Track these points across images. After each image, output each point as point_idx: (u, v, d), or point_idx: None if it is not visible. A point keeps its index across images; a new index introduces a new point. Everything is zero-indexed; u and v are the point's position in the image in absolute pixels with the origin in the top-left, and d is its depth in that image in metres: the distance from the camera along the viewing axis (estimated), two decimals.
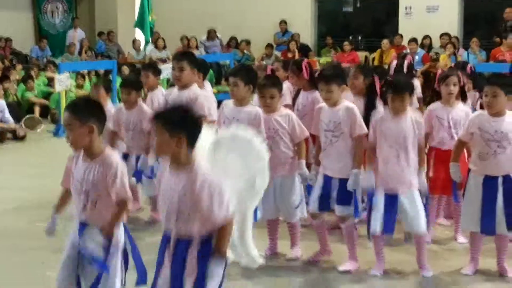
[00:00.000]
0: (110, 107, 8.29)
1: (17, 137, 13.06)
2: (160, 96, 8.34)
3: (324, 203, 6.35)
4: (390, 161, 6.05)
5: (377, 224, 6.05)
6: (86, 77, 16.32)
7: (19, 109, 14.81)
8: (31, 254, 6.86)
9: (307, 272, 6.43)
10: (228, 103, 6.64)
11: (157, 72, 8.74)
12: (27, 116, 14.09)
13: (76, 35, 20.65)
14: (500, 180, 5.97)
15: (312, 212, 6.46)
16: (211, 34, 20.25)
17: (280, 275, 6.34)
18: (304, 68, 7.66)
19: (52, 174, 8.57)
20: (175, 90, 7.23)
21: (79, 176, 4.53)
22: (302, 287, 6.21)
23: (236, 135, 4.55)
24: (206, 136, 4.28)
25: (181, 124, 4.07)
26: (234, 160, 4.44)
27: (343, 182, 6.24)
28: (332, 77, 6.31)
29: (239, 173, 4.45)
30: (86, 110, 4.49)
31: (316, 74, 7.31)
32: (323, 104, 6.47)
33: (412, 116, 6.11)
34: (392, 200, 6.04)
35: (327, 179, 6.34)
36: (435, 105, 7.04)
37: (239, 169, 4.45)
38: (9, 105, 13.99)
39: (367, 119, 6.52)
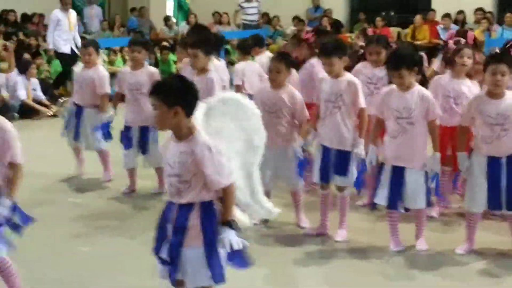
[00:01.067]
0: (102, 68, 8.71)
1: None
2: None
3: (324, 174, 6.47)
4: (396, 135, 6.03)
5: (381, 197, 6.12)
6: (118, 53, 16.37)
7: (52, 85, 14.88)
8: (62, 228, 6.98)
9: (304, 243, 6.52)
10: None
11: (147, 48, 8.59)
12: (59, 101, 14.09)
13: (93, 12, 20.62)
14: (504, 160, 5.92)
15: (318, 183, 6.63)
16: None
17: (275, 245, 6.48)
18: (304, 39, 7.84)
19: (85, 150, 8.72)
20: (189, 71, 7.32)
21: None
22: (298, 258, 6.22)
23: (226, 98, 4.69)
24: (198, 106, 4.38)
25: (177, 95, 4.16)
26: (228, 123, 4.58)
27: (340, 153, 6.37)
28: (332, 50, 6.37)
29: (236, 135, 4.62)
30: None
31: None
32: (325, 75, 6.56)
33: (420, 91, 6.02)
34: (398, 174, 6.02)
35: (326, 150, 6.45)
36: (443, 76, 7.03)
37: (234, 131, 4.61)
38: (41, 81, 14.11)
39: None
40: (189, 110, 4.20)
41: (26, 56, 14.68)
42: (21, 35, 17.52)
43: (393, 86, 6.12)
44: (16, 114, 12.85)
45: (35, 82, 13.54)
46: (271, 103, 6.52)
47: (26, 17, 19.55)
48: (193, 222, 4.24)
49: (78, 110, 8.55)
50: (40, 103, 13.34)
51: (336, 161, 6.41)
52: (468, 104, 6.08)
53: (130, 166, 8.14)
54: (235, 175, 4.37)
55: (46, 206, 7.67)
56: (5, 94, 12.87)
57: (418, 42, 17.24)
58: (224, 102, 4.65)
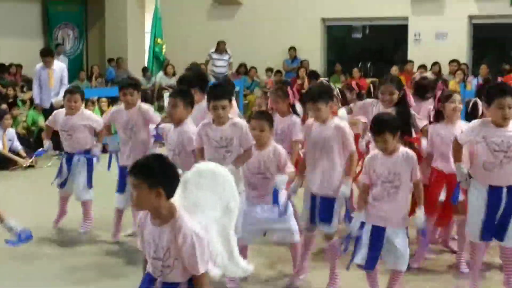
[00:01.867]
0: (85, 110, 8.73)
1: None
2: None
3: (311, 220, 6.44)
4: (380, 199, 5.91)
5: (360, 257, 5.96)
6: (96, 103, 16.36)
7: (29, 136, 14.82)
8: (37, 278, 6.92)
9: None
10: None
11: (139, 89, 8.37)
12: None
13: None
14: (504, 190, 5.97)
15: (303, 229, 6.56)
16: (220, 46, 19.83)
17: None
18: (290, 92, 7.60)
19: None
20: (170, 126, 7.17)
21: None
22: None
23: (201, 170, 4.56)
24: None
25: (159, 177, 4.05)
26: (204, 194, 4.47)
27: (325, 199, 6.32)
28: (318, 95, 6.35)
29: (213, 204, 4.49)
30: None
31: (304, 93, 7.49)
32: (311, 120, 6.53)
33: (404, 154, 5.92)
34: (379, 234, 5.89)
35: (313, 197, 6.42)
36: (437, 125, 7.01)
37: (211, 201, 4.49)
38: (18, 134, 14.00)
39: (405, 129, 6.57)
40: (170, 191, 4.09)
41: (3, 106, 14.63)
42: None
43: (377, 151, 6.04)
44: None
45: (11, 132, 13.45)
46: (257, 164, 6.40)
47: (3, 67, 19.55)
48: None
49: (69, 158, 8.53)
50: (17, 154, 13.24)
51: (321, 208, 6.35)
52: (472, 126, 6.10)
53: (123, 207, 8.08)
54: (215, 241, 4.30)
55: (22, 259, 7.57)
56: None
57: None
58: (200, 174, 4.52)
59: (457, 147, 6.24)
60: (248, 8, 20.97)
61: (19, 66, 19.76)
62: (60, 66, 14.53)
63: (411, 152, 6.05)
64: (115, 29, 22.06)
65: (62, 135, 8.62)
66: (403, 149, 6.00)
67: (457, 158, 6.23)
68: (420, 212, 5.97)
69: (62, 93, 13.88)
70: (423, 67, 17.79)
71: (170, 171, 4.13)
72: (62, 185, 8.61)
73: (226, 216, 4.57)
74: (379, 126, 5.94)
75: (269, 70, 20.13)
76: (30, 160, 13.11)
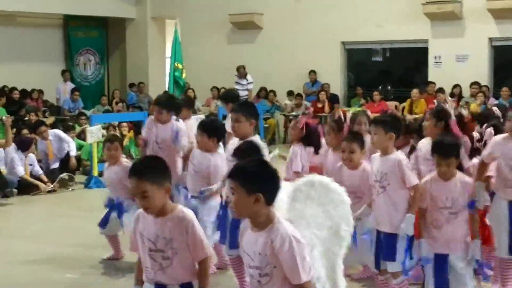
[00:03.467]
0: (126, 161, 8.21)
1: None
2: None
3: (378, 259, 6.12)
4: (440, 226, 5.77)
5: (430, 285, 5.85)
6: (117, 128, 16.42)
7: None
8: None
9: None
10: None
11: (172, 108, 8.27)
12: (60, 176, 13.82)
13: (67, 88, 20.58)
14: None
15: (375, 270, 6.25)
16: (240, 71, 19.90)
17: None
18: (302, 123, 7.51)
19: (83, 226, 8.61)
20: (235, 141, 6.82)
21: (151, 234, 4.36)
22: None
23: (314, 181, 4.44)
24: (283, 186, 4.11)
25: (259, 182, 3.91)
26: (314, 208, 4.33)
27: (387, 236, 6.00)
28: (380, 121, 6.12)
29: (321, 221, 4.35)
30: None
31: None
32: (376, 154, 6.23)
33: (462, 180, 5.78)
34: (442, 261, 5.76)
35: (378, 234, 6.11)
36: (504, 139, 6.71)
37: (320, 217, 4.35)
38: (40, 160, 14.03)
39: None
40: (270, 198, 3.93)
41: (25, 131, 14.68)
42: (23, 112, 17.64)
43: (433, 174, 5.89)
44: (14, 190, 12.77)
45: (32, 157, 13.45)
46: (350, 185, 6.06)
47: (25, 93, 19.70)
48: None
49: (119, 207, 8.02)
50: (38, 178, 13.26)
51: (384, 245, 6.03)
52: (493, 142, 6.09)
53: None
54: (317, 263, 4.10)
55: (44, 284, 7.57)
56: (3, 169, 12.82)
57: (416, 116, 17.33)
58: (312, 185, 4.42)
59: (482, 166, 6.19)
60: (268, 32, 20.99)
61: (40, 92, 19.91)
62: (56, 135, 14.43)
63: (468, 178, 5.92)
64: (136, 54, 22.22)
65: (107, 185, 8.32)
66: (460, 174, 5.85)
67: (479, 176, 6.13)
68: (475, 245, 5.78)
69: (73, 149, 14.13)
70: (440, 90, 17.69)
71: (271, 177, 3.99)
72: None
73: (334, 240, 4.38)
74: (446, 150, 5.77)
75: (290, 93, 20.11)
76: (52, 186, 13.13)
